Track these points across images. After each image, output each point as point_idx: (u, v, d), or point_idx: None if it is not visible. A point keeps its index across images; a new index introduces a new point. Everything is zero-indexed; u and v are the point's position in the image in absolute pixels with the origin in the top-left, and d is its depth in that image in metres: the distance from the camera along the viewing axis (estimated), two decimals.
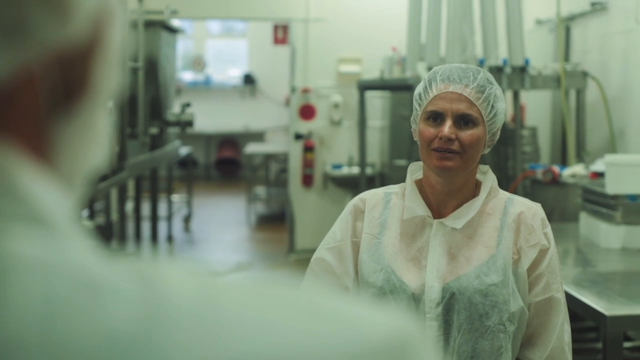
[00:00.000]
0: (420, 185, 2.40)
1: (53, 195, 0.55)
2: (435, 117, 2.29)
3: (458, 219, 2.32)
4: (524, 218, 2.32)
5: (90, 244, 0.54)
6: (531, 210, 2.35)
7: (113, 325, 0.49)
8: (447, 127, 2.25)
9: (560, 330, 2.29)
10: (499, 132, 2.35)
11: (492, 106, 2.29)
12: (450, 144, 2.25)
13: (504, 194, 2.40)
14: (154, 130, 6.50)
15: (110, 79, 0.61)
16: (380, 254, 2.36)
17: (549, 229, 2.33)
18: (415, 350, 0.56)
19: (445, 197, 2.35)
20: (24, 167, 0.54)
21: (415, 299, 2.28)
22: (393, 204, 2.41)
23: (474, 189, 2.38)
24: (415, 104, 2.36)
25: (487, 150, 2.35)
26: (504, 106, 2.34)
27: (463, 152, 2.26)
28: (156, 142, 6.63)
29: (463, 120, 2.27)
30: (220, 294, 0.53)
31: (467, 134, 2.26)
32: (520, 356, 2.34)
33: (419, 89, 2.35)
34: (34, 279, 0.49)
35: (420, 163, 2.40)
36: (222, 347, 0.50)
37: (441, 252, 2.31)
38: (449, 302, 2.27)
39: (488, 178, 2.39)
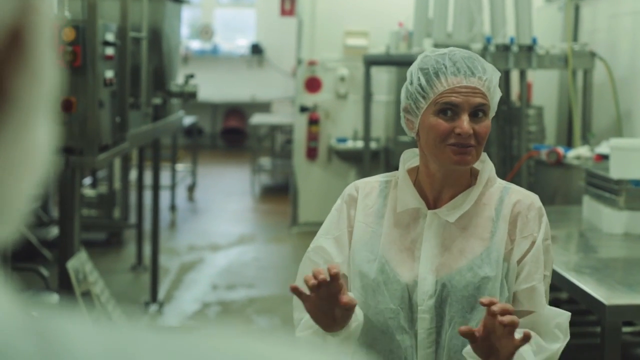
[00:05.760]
0: (414, 173, 2.34)
1: None
2: (447, 111, 2.20)
3: (453, 210, 2.26)
4: (520, 208, 2.27)
5: (3, 296, 0.49)
6: (528, 199, 2.30)
7: None
8: (465, 123, 2.16)
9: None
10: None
11: (497, 94, 2.25)
12: (470, 139, 2.18)
13: (501, 183, 2.34)
14: (157, 100, 6.46)
15: (41, 88, 0.54)
16: (374, 244, 2.31)
17: (544, 219, 2.28)
18: None
19: (442, 186, 2.28)
20: None
21: (409, 291, 2.25)
22: (387, 193, 2.36)
23: (470, 177, 2.31)
24: (417, 95, 2.23)
25: None
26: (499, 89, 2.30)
27: (478, 145, 2.20)
28: (159, 112, 6.58)
29: (474, 112, 2.20)
30: (132, 350, 0.49)
31: (481, 127, 2.19)
32: None
33: (421, 80, 2.22)
34: None
35: (415, 150, 2.34)
36: None
37: (435, 244, 2.27)
38: (442, 294, 2.23)
39: (485, 167, 2.31)
